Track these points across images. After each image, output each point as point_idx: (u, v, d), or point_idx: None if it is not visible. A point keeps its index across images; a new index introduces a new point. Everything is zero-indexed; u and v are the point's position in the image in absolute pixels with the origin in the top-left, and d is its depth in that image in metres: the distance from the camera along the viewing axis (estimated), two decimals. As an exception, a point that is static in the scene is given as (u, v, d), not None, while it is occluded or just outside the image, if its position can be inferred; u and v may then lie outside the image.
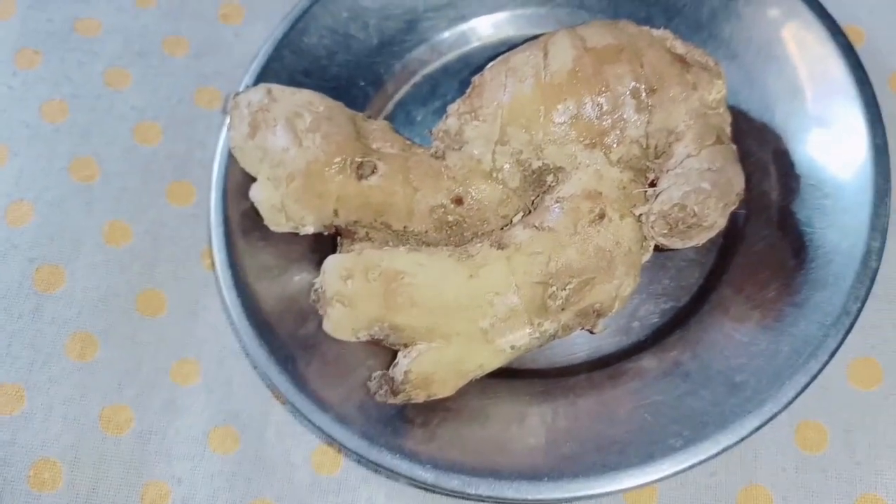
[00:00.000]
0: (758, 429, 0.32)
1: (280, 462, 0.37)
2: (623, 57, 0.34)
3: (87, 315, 0.39)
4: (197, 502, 0.36)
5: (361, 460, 0.36)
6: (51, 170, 0.42)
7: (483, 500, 0.35)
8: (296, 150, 0.35)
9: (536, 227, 0.33)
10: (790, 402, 0.32)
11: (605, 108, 0.34)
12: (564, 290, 0.32)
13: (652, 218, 0.33)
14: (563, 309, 0.33)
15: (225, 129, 0.38)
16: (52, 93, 0.44)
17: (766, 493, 0.35)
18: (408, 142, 0.36)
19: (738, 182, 0.33)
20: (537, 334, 0.33)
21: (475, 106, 0.35)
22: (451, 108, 0.36)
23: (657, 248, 0.34)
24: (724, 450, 0.32)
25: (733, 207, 0.33)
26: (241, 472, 0.37)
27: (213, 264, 0.37)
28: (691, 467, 0.31)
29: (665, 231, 0.33)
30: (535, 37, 0.37)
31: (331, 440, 0.34)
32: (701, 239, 0.33)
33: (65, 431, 0.38)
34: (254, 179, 0.37)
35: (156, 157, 0.42)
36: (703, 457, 0.32)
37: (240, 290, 0.36)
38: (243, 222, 0.38)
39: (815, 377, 0.32)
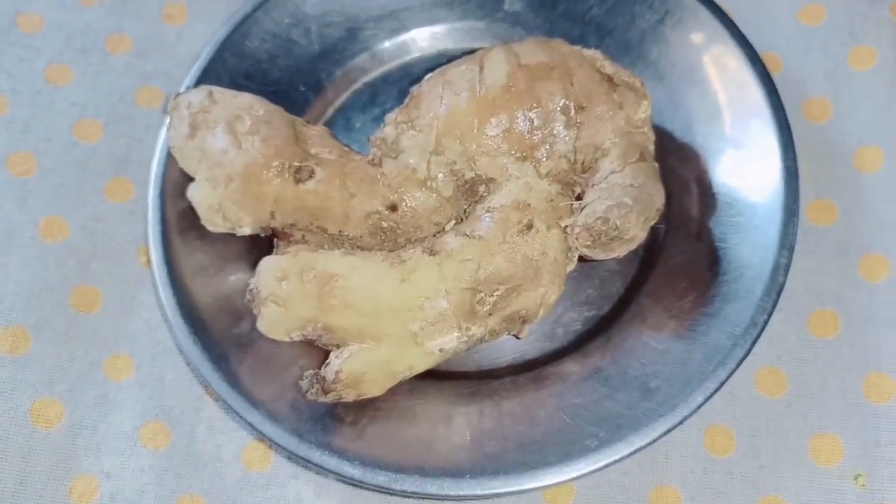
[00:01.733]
0: (669, 431, 0.33)
1: (210, 458, 0.38)
2: (554, 75, 0.36)
3: (19, 309, 0.39)
4: (125, 497, 0.37)
5: (291, 457, 0.37)
6: (-14, 163, 0.42)
7: (408, 496, 0.36)
8: (235, 153, 0.35)
9: (467, 235, 0.34)
10: (699, 407, 0.34)
11: (535, 123, 0.35)
12: (492, 296, 0.34)
13: (577, 230, 0.34)
14: (490, 314, 0.34)
15: (165, 129, 0.39)
16: (-10, 86, 0.44)
17: (675, 492, 0.36)
18: (346, 148, 0.37)
19: (658, 198, 0.35)
20: (465, 338, 0.34)
21: (412, 116, 0.36)
22: (389, 117, 0.37)
23: (581, 259, 0.36)
24: (637, 451, 0.33)
25: (653, 222, 0.35)
26: (171, 467, 0.37)
27: (149, 261, 0.37)
28: (606, 467, 0.33)
29: (589, 243, 0.34)
30: (473, 51, 0.38)
31: (261, 437, 0.35)
32: (622, 251, 0.35)
33: (-7, 425, 0.38)
34: (192, 179, 0.37)
35: (95, 154, 0.43)
36: (616, 457, 0.33)
37: (175, 287, 0.37)
38: (180, 221, 0.38)
39: (723, 384, 0.34)
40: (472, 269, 0.34)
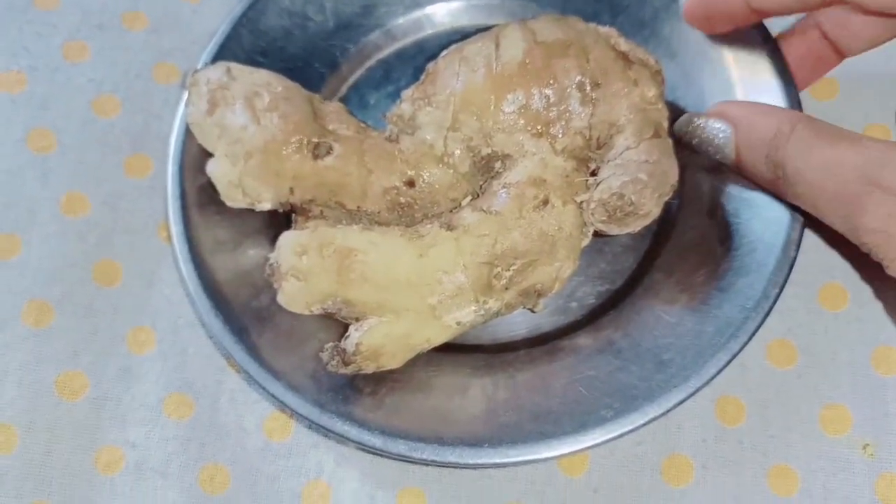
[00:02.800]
0: (682, 402, 0.34)
1: (233, 428, 0.39)
2: (571, 52, 0.36)
3: (42, 283, 0.40)
4: (151, 466, 0.38)
5: (312, 426, 0.38)
6: (6, 140, 0.42)
7: (427, 465, 0.37)
8: (254, 129, 0.36)
9: (484, 211, 0.35)
10: (712, 378, 0.34)
11: (552, 99, 0.36)
12: (509, 270, 0.35)
13: (592, 205, 0.35)
14: (506, 288, 0.35)
15: (183, 105, 0.39)
16: (9, 64, 0.44)
17: (687, 461, 0.37)
18: (362, 124, 0.38)
19: (673, 174, 0.36)
20: (482, 312, 0.35)
21: (429, 93, 0.37)
22: (406, 93, 0.38)
23: (596, 234, 0.36)
24: (651, 420, 0.34)
25: (667, 198, 0.35)
26: (194, 437, 0.38)
27: (169, 237, 0.38)
28: (621, 436, 0.34)
29: (604, 218, 0.35)
30: (488, 27, 0.39)
31: (283, 407, 0.36)
32: (637, 226, 0.35)
33: (20, 396, 0.38)
34: (211, 155, 0.38)
35: (113, 130, 0.43)
36: (631, 427, 0.34)
37: (196, 262, 0.37)
38: (200, 196, 0.39)
39: (735, 356, 0.35)
40: (489, 243, 0.34)
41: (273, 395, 0.35)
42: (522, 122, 0.36)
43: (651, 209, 0.35)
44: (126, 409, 0.39)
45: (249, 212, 0.38)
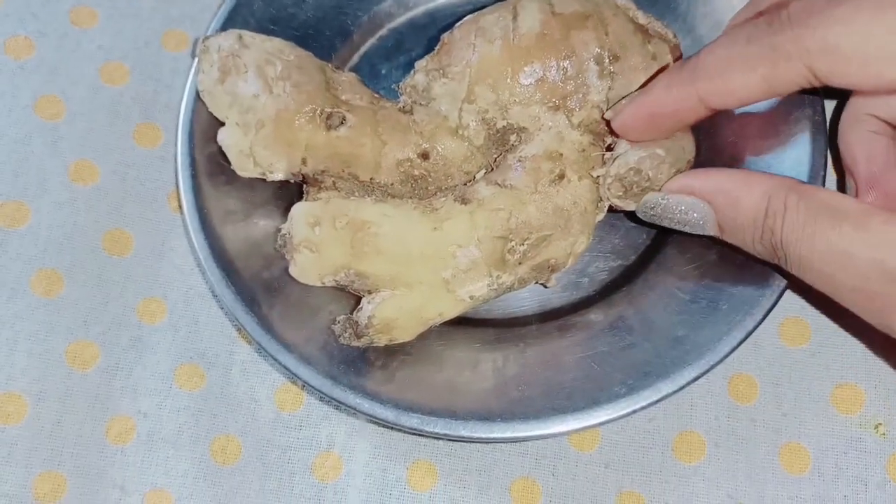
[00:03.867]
0: (696, 379, 0.34)
1: (244, 399, 0.39)
2: (589, 24, 0.36)
3: (52, 252, 0.40)
4: (162, 437, 0.38)
5: (324, 398, 0.37)
6: (15, 107, 0.42)
7: (438, 438, 0.37)
8: (266, 98, 0.35)
9: (499, 185, 0.35)
10: (726, 356, 0.34)
11: (569, 72, 0.35)
12: (523, 245, 0.34)
13: (609, 180, 0.35)
14: (520, 263, 0.35)
15: (193, 73, 0.38)
16: (16, 29, 0.43)
17: (699, 438, 0.37)
18: (376, 95, 0.37)
19: (689, 149, 0.35)
20: (495, 286, 0.35)
21: (443, 63, 0.36)
22: (420, 64, 0.37)
23: (610, 209, 0.36)
24: (664, 398, 0.34)
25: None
26: (206, 408, 0.38)
27: (179, 207, 0.38)
28: (634, 412, 0.34)
29: (620, 193, 0.35)
30: None
31: (295, 379, 0.36)
32: None
33: (30, 366, 0.38)
34: (221, 123, 0.37)
35: (122, 98, 0.43)
36: (644, 403, 0.34)
37: (207, 232, 0.37)
38: (210, 166, 0.38)
39: (749, 334, 0.35)
40: (504, 218, 0.34)
41: (285, 367, 0.35)
42: (539, 94, 0.35)
43: (669, 176, 0.34)
44: (137, 380, 0.39)
45: (261, 181, 0.38)
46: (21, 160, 0.41)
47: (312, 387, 0.35)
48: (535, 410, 0.34)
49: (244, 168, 0.37)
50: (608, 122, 0.35)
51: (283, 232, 0.36)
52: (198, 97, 0.38)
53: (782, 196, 0.31)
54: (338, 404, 0.35)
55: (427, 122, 0.36)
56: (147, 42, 0.44)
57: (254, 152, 0.36)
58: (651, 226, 0.36)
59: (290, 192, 0.39)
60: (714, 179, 0.33)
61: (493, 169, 0.36)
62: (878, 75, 0.29)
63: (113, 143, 0.42)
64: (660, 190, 0.34)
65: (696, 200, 0.33)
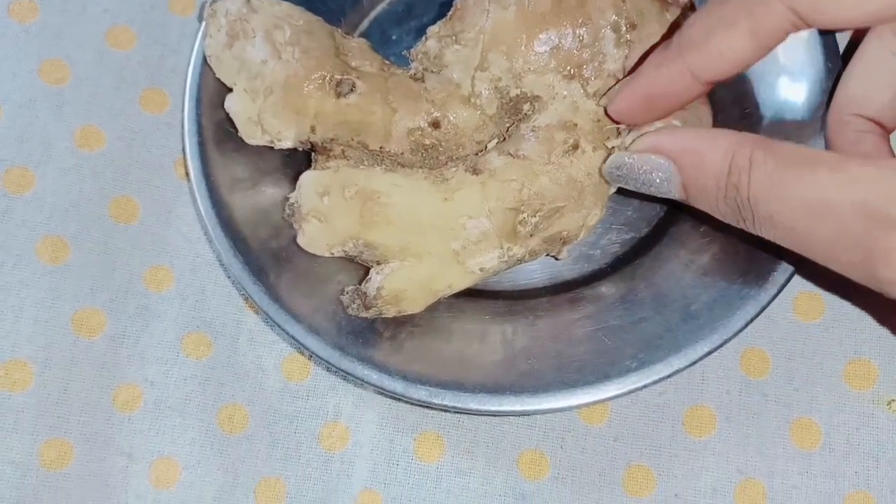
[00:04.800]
0: (709, 354, 0.34)
1: (251, 368, 0.38)
2: None
3: (58, 219, 0.40)
4: (169, 405, 0.38)
5: (332, 369, 0.37)
6: (19, 71, 0.41)
7: (446, 411, 0.37)
8: (275, 64, 0.35)
9: (511, 155, 0.34)
10: (740, 331, 0.34)
11: (585, 40, 0.34)
12: (534, 216, 0.34)
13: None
14: (531, 235, 0.34)
15: (200, 38, 0.38)
16: (21, -10, 0.43)
17: (710, 412, 0.37)
18: (386, 62, 0.37)
19: (706, 119, 0.35)
20: (506, 258, 0.34)
21: (456, 30, 0.35)
22: (432, 30, 0.36)
23: None
24: (676, 372, 0.34)
25: None
26: (213, 376, 0.38)
27: (186, 174, 0.37)
28: (645, 386, 0.33)
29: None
30: None
31: (304, 350, 0.36)
32: None
33: (36, 333, 0.38)
34: (229, 89, 0.37)
35: (129, 63, 0.42)
36: (656, 377, 0.34)
37: (214, 200, 0.36)
38: (217, 133, 0.38)
39: (763, 309, 0.34)
40: (516, 189, 0.34)
41: (293, 337, 0.35)
42: (554, 62, 0.35)
43: None
44: (144, 348, 0.38)
45: (268, 149, 0.37)
46: (26, 125, 0.40)
47: (320, 357, 0.34)
48: (545, 384, 0.34)
49: (252, 135, 0.36)
50: (605, 110, 0.34)
51: (291, 201, 0.35)
52: (205, 62, 0.37)
53: (747, 151, 0.29)
54: (346, 375, 0.34)
55: (439, 90, 0.36)
56: (154, 5, 0.43)
57: (262, 119, 0.36)
58: (626, 192, 0.35)
59: (298, 161, 0.38)
60: (680, 137, 0.32)
61: (505, 138, 0.36)
62: (856, 6, 0.29)
63: (119, 108, 0.41)
64: (626, 149, 0.33)
65: (660, 160, 0.32)
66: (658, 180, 0.32)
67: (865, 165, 0.27)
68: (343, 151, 0.36)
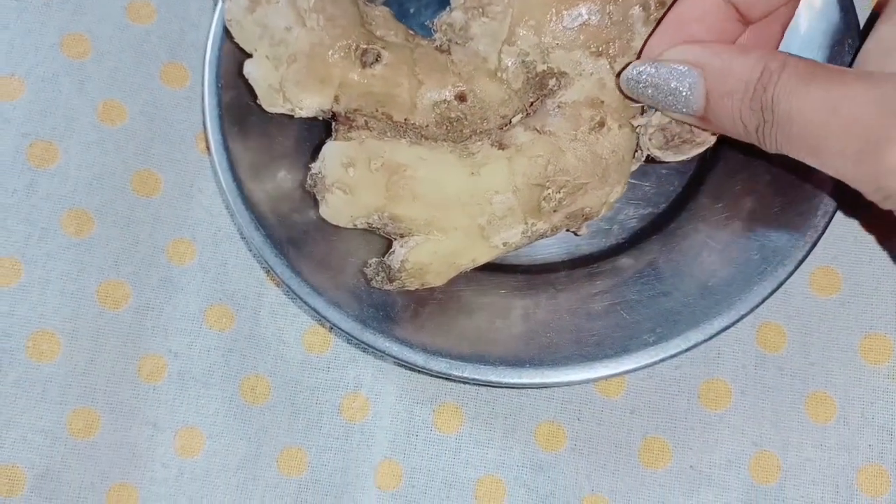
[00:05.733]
0: (725, 329, 0.34)
1: (273, 340, 0.39)
2: None
3: (82, 192, 0.40)
4: (193, 376, 0.38)
5: (353, 342, 0.38)
6: (42, 45, 0.41)
7: (466, 383, 0.37)
8: (299, 31, 0.34)
9: (538, 131, 0.34)
10: (757, 306, 0.34)
11: (614, 17, 0.34)
12: (559, 192, 0.34)
13: (650, 130, 0.34)
14: (555, 210, 0.34)
15: (219, 9, 0.38)
16: (41, -36, 0.43)
17: (726, 386, 0.38)
18: (410, 32, 0.36)
19: None
20: (529, 233, 0.35)
21: (483, 2, 0.35)
22: (457, 1, 0.36)
23: (647, 160, 0.35)
24: (693, 346, 0.34)
25: None
26: (236, 348, 0.39)
27: (207, 148, 0.38)
28: (662, 360, 0.34)
29: (661, 143, 0.34)
30: None
31: (325, 322, 0.36)
32: (691, 153, 0.34)
33: (62, 305, 0.39)
34: (247, 55, 0.37)
35: (149, 37, 0.42)
36: (673, 352, 0.34)
37: (235, 174, 0.37)
38: (237, 106, 0.38)
39: (781, 284, 0.34)
40: (542, 165, 0.34)
41: (314, 310, 0.35)
42: (582, 38, 0.34)
43: (708, 137, 0.34)
44: (168, 320, 0.39)
45: (288, 121, 0.37)
46: (49, 100, 0.41)
47: (342, 329, 0.35)
48: (564, 357, 0.35)
49: (272, 103, 0.35)
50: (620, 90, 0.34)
51: (314, 171, 0.35)
52: (224, 35, 0.37)
53: (780, 58, 0.30)
54: (367, 347, 0.35)
55: (465, 62, 0.35)
56: (173, -21, 0.43)
57: (284, 87, 0.35)
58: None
59: (317, 132, 0.38)
60: (710, 46, 0.32)
61: (529, 113, 0.36)
62: None
63: (140, 82, 0.41)
64: (651, 59, 0.33)
65: (687, 68, 0.32)
66: (682, 88, 0.32)
67: (890, 74, 0.28)
68: (366, 122, 0.36)
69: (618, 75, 0.34)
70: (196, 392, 0.38)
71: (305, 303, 0.35)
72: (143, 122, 0.41)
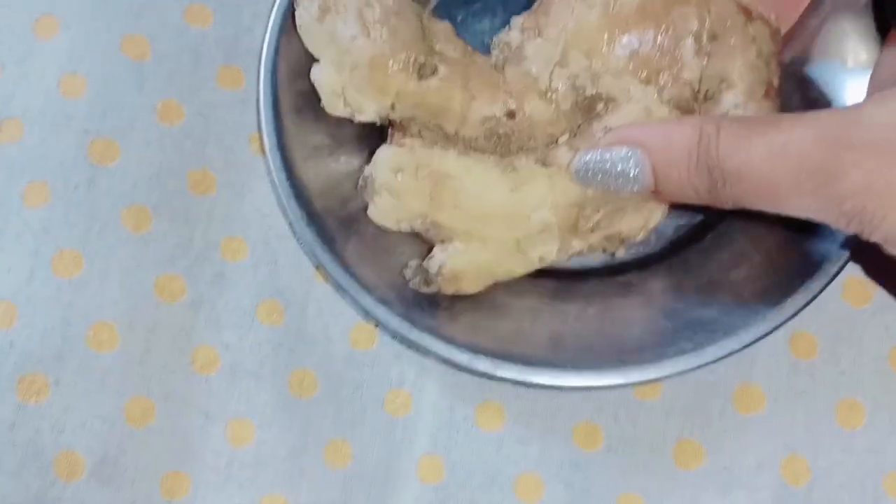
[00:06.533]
0: (759, 339, 0.35)
1: (320, 336, 0.40)
2: None
3: (141, 189, 0.41)
4: (245, 368, 0.40)
5: (398, 338, 0.39)
6: (103, 45, 0.43)
7: (505, 382, 0.39)
8: (363, 41, 0.36)
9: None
10: (791, 317, 0.35)
11: (665, 46, 0.35)
12: (598, 213, 0.35)
13: None
14: (592, 231, 0.36)
15: (274, 15, 0.39)
16: (102, -34, 0.44)
17: (759, 391, 0.39)
18: (469, 48, 0.38)
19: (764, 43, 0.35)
20: (565, 250, 0.36)
21: (540, 23, 0.36)
22: (516, 20, 0.37)
23: None
24: (729, 354, 0.35)
25: None
26: (285, 342, 0.40)
27: (260, 149, 0.39)
28: (699, 367, 0.35)
29: None
30: None
31: (373, 319, 0.38)
32: None
33: (121, 297, 0.40)
34: (307, 62, 0.38)
35: (205, 41, 0.43)
36: (710, 359, 0.35)
37: (288, 173, 0.38)
38: (290, 108, 0.39)
39: (816, 296, 0.36)
40: (582, 186, 0.35)
41: (363, 308, 0.36)
42: (632, 66, 0.35)
43: None
44: (220, 313, 0.40)
45: (342, 123, 0.38)
46: (110, 99, 0.42)
47: (389, 328, 0.36)
48: (604, 362, 0.36)
49: (334, 107, 0.37)
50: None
51: (365, 174, 0.37)
52: (279, 42, 0.39)
53: (714, 121, 0.32)
54: (413, 345, 0.36)
55: (517, 81, 0.37)
56: (229, -16, 0.44)
57: (345, 93, 0.37)
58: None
59: (371, 135, 0.40)
60: (644, 126, 0.34)
61: (575, 134, 0.37)
62: None
63: (197, 84, 0.43)
64: (592, 147, 0.35)
65: (630, 149, 0.33)
66: (630, 169, 0.33)
67: (822, 111, 0.30)
68: (419, 131, 0.37)
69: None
70: (247, 384, 0.40)
71: (355, 300, 0.37)
72: (200, 122, 0.42)
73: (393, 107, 0.37)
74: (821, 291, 0.36)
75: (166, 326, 0.40)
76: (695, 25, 0.35)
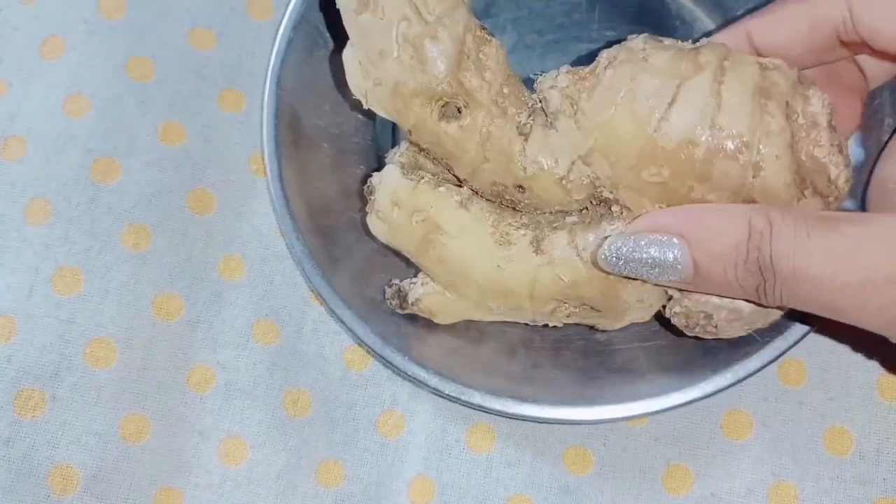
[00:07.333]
0: (749, 376, 0.36)
1: (314, 357, 0.41)
2: (742, 158, 0.31)
3: (141, 208, 0.42)
4: (239, 387, 0.40)
5: (388, 366, 0.40)
6: (107, 66, 0.44)
7: (497, 414, 0.39)
8: (391, 61, 0.33)
9: (577, 250, 0.34)
10: (781, 354, 0.36)
11: (694, 191, 0.32)
12: (576, 308, 0.35)
13: (676, 308, 0.34)
14: (567, 317, 0.36)
15: (278, 44, 0.40)
16: (108, -11, 0.45)
17: (747, 417, 0.39)
18: (505, 89, 0.34)
19: (773, 315, 0.34)
20: (536, 325, 0.37)
21: (581, 99, 0.33)
22: (563, 79, 0.33)
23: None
24: (720, 390, 0.36)
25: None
26: (280, 362, 0.41)
27: (261, 170, 0.40)
28: (687, 403, 0.36)
29: (683, 324, 0.34)
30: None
31: (364, 345, 0.38)
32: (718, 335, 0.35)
33: (119, 315, 0.41)
34: (309, 89, 0.39)
35: (208, 63, 0.44)
36: (699, 395, 0.36)
37: (287, 196, 0.39)
38: (292, 135, 0.41)
39: (805, 336, 0.36)
40: (565, 287, 0.34)
41: (356, 335, 0.38)
42: (655, 194, 0.32)
43: (736, 334, 0.35)
44: (217, 332, 0.41)
45: (344, 142, 0.39)
46: (113, 119, 0.43)
47: (381, 356, 0.37)
48: (600, 396, 0.37)
49: (357, 93, 0.36)
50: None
51: (371, 181, 0.37)
52: (282, 68, 0.40)
53: (764, 214, 0.29)
54: (404, 375, 0.37)
55: (534, 160, 0.34)
56: (233, 8, 0.45)
57: (367, 95, 0.35)
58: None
59: (369, 154, 0.42)
60: (686, 211, 0.31)
61: (585, 218, 0.35)
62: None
63: (198, 106, 0.44)
64: (625, 233, 0.32)
65: (667, 237, 0.30)
66: (669, 261, 0.30)
67: (888, 219, 0.28)
68: (434, 160, 0.37)
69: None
70: (241, 403, 0.40)
71: (350, 329, 0.38)
72: (200, 143, 0.43)
73: (410, 132, 0.36)
74: (807, 334, 0.36)
75: (163, 344, 0.41)
76: (735, 182, 0.31)
